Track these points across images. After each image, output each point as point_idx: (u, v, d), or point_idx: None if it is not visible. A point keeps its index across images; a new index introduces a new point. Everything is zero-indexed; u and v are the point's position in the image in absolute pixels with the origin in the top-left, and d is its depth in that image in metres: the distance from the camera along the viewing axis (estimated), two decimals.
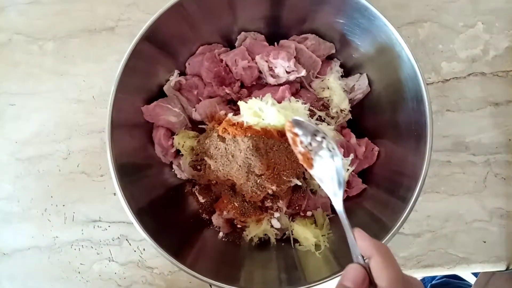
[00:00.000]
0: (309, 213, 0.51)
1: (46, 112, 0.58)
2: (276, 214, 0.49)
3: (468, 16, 0.58)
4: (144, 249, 0.56)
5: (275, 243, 0.50)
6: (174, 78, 0.50)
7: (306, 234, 0.48)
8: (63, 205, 0.56)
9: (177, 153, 0.51)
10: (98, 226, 0.56)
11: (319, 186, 0.48)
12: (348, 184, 0.50)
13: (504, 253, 0.56)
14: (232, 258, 0.48)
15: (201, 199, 0.51)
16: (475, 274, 0.97)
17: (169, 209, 0.49)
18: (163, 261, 0.56)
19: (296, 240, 0.50)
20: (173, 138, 0.50)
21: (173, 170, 0.52)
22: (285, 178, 0.46)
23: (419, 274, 0.56)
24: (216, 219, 0.50)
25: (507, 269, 0.55)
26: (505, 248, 0.56)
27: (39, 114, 0.58)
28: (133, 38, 0.57)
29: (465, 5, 0.58)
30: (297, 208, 0.50)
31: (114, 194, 0.56)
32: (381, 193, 0.49)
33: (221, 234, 0.51)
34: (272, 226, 0.49)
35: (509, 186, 0.56)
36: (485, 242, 0.56)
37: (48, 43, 0.58)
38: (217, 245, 0.49)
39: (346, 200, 0.51)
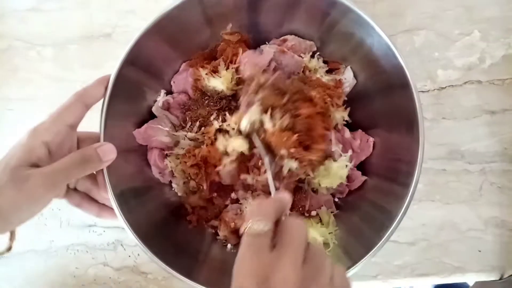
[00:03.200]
0: (313, 213, 0.50)
1: (44, 118, 0.58)
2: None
3: (464, 24, 0.58)
4: (138, 255, 0.56)
5: None
6: (161, 98, 0.50)
7: (313, 234, 0.48)
8: (59, 209, 0.57)
9: (173, 172, 0.51)
10: (93, 231, 0.56)
11: (320, 184, 0.49)
12: (349, 178, 0.50)
13: (499, 263, 0.55)
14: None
15: (201, 215, 0.51)
16: None
17: (174, 228, 0.49)
18: (157, 266, 0.56)
19: None
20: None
21: (173, 189, 0.52)
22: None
23: (413, 283, 0.56)
24: (222, 232, 0.50)
25: (500, 278, 0.55)
26: (500, 257, 0.55)
27: (37, 119, 0.58)
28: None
29: (461, 13, 0.58)
30: (300, 209, 0.50)
31: None
32: (381, 182, 0.49)
33: (229, 246, 0.50)
34: None
35: (504, 195, 0.56)
36: (480, 251, 0.55)
37: (46, 49, 0.59)
38: (226, 257, 0.49)
39: (349, 194, 0.51)
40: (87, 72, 0.58)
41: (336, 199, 0.52)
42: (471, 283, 0.66)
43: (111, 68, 0.58)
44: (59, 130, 0.37)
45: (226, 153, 0.46)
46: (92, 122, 0.41)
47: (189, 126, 0.49)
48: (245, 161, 0.47)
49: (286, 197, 0.33)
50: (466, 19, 0.58)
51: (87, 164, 0.37)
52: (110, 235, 0.56)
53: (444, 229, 0.56)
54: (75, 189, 0.42)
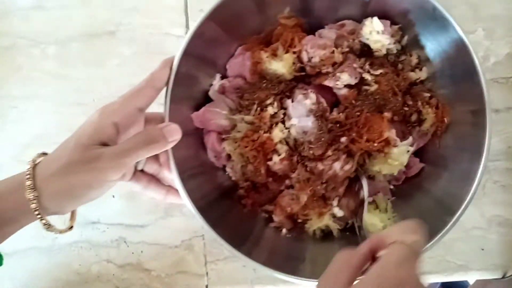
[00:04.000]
0: (369, 199, 0.50)
1: (47, 115, 0.59)
2: (335, 203, 0.49)
3: (469, 22, 0.58)
4: (141, 252, 0.56)
5: (339, 233, 0.50)
6: (217, 82, 0.50)
7: (373, 220, 0.47)
8: None
9: (229, 156, 0.51)
10: (97, 228, 0.57)
11: (381, 172, 0.48)
12: (406, 165, 0.49)
13: (502, 261, 0.55)
14: (297, 253, 0.47)
15: (256, 199, 0.51)
16: None
17: (228, 211, 0.48)
18: (160, 263, 0.56)
19: (360, 228, 0.49)
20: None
21: (226, 173, 0.51)
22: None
23: None
24: (277, 217, 0.49)
25: (503, 277, 0.55)
26: (503, 256, 0.55)
27: (41, 117, 0.59)
28: (133, 43, 0.59)
29: (466, 11, 0.58)
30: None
31: (113, 196, 0.57)
32: (440, 171, 0.48)
33: (284, 230, 0.50)
34: (335, 216, 0.49)
35: (508, 193, 0.56)
36: (483, 249, 0.55)
37: (50, 47, 0.59)
38: (280, 241, 0.49)
39: (405, 182, 0.50)
40: (90, 70, 0.59)
41: (391, 186, 0.51)
42: (472, 282, 0.66)
43: (114, 66, 0.59)
44: (128, 112, 0.38)
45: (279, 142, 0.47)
46: None
47: (247, 109, 0.48)
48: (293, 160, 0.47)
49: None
50: (470, 17, 0.58)
51: (153, 144, 0.37)
52: (114, 232, 0.56)
53: None
54: (142, 171, 0.43)
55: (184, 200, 0.42)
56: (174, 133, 0.39)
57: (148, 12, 0.59)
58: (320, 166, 0.47)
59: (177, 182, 0.41)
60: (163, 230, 0.57)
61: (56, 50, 0.59)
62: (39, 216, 0.36)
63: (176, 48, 0.57)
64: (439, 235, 0.41)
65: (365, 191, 0.47)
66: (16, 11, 0.60)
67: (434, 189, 0.47)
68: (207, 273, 0.56)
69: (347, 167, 0.46)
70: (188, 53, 0.43)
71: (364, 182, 0.48)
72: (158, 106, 0.42)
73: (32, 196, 0.34)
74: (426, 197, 0.47)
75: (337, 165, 0.46)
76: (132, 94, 0.39)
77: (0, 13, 0.59)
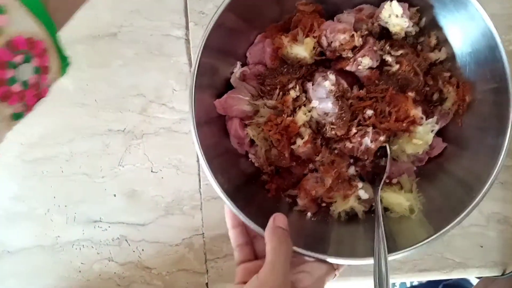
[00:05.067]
0: (394, 180, 0.50)
1: (52, 115, 0.60)
2: (360, 185, 0.49)
3: None
4: (142, 250, 0.57)
5: (364, 216, 0.50)
6: (238, 69, 0.51)
7: (399, 199, 0.47)
8: (65, 206, 0.58)
9: (252, 142, 0.52)
10: (98, 227, 0.57)
11: (405, 151, 0.49)
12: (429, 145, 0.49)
13: (501, 259, 0.55)
14: (322, 235, 0.48)
15: (279, 184, 0.51)
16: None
17: (252, 197, 0.49)
18: (161, 261, 0.57)
19: (386, 209, 0.49)
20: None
21: (249, 159, 0.52)
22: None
23: (415, 278, 0.56)
24: (301, 201, 0.50)
25: (503, 274, 0.55)
26: (502, 253, 0.55)
27: (45, 117, 0.60)
28: (134, 44, 0.60)
29: None
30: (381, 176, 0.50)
31: (115, 195, 0.58)
32: (463, 151, 0.48)
33: (308, 214, 0.50)
34: (359, 198, 0.49)
35: (507, 190, 0.56)
36: (482, 246, 0.56)
37: None
38: (305, 224, 0.49)
39: (428, 162, 0.51)
40: (94, 71, 0.60)
41: (415, 168, 0.51)
42: (472, 279, 0.66)
43: (117, 67, 0.60)
44: None
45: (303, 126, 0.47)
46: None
47: (269, 94, 0.49)
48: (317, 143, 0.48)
49: None
50: None
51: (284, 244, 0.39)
52: (115, 230, 0.57)
53: None
54: None
55: (212, 185, 0.43)
56: (283, 222, 0.41)
57: (150, 14, 0.60)
58: (349, 144, 0.47)
59: (205, 169, 0.43)
60: (163, 229, 0.57)
61: None
62: None
63: (176, 49, 0.59)
64: (462, 214, 0.42)
65: (388, 164, 0.48)
66: None
67: (456, 170, 0.47)
68: (207, 271, 0.57)
69: (382, 138, 0.46)
70: (209, 44, 0.44)
71: (389, 153, 0.48)
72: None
73: None
74: (449, 178, 0.48)
75: (367, 140, 0.46)
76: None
77: None
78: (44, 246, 0.58)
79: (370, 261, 0.42)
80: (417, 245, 0.42)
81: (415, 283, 1.18)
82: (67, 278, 0.57)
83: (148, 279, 0.57)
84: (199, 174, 0.58)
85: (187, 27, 0.59)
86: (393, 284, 1.24)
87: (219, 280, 0.56)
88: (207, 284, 0.57)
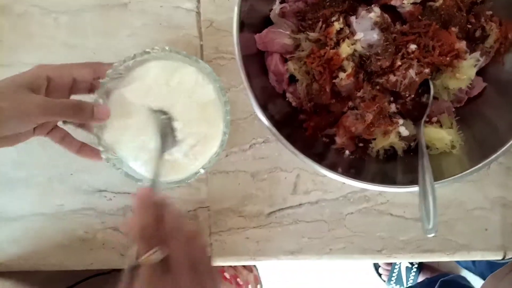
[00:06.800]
0: (434, 119, 0.51)
1: None
2: (401, 121, 0.49)
3: None
4: None
5: (403, 154, 0.51)
6: (277, 6, 0.51)
7: (440, 134, 0.48)
8: (71, 174, 0.57)
9: (290, 80, 0.52)
10: (103, 196, 0.57)
11: (448, 87, 0.49)
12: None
13: (504, 243, 0.56)
14: (360, 171, 0.48)
15: (317, 122, 0.52)
16: (482, 276, 1.00)
17: (289, 136, 0.48)
18: None
19: (426, 147, 0.49)
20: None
21: (286, 99, 0.52)
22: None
23: (419, 259, 0.57)
24: (340, 139, 0.50)
25: (503, 258, 0.55)
26: (505, 237, 0.56)
27: None
28: (144, 15, 0.59)
29: None
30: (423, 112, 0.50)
31: None
32: (501, 98, 0.48)
33: (347, 152, 0.51)
34: (399, 135, 0.49)
35: None
36: (486, 229, 0.56)
37: (62, 16, 0.60)
38: (344, 161, 0.50)
39: (467, 103, 0.51)
40: (101, 40, 0.59)
41: (453, 109, 0.51)
42: (469, 276, 0.66)
43: (124, 37, 0.60)
44: (64, 74, 0.43)
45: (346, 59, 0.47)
46: None
47: (310, 29, 0.49)
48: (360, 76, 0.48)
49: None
50: None
51: (80, 112, 0.41)
52: (120, 200, 0.57)
53: (450, 207, 0.56)
54: (56, 126, 0.46)
55: (259, 116, 0.44)
56: (102, 114, 0.43)
57: None
58: (392, 77, 0.47)
59: (255, 107, 0.44)
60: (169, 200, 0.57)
61: (68, 20, 0.59)
62: None
63: (186, 22, 0.59)
64: (491, 158, 0.43)
65: (430, 99, 0.48)
66: None
67: (493, 115, 0.48)
68: (211, 244, 0.57)
69: (427, 70, 0.46)
70: None
71: (431, 88, 0.48)
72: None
73: None
74: (482, 123, 0.48)
75: (412, 72, 0.46)
76: (77, 64, 0.44)
77: None
78: (45, 214, 0.58)
79: (414, 188, 0.43)
80: (461, 173, 0.43)
81: (412, 283, 1.19)
82: (69, 247, 0.57)
83: None
84: None
85: (198, 0, 0.59)
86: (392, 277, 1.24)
87: (222, 253, 0.56)
88: (210, 257, 0.57)
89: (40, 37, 0.60)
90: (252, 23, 0.50)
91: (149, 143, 0.47)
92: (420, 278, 1.19)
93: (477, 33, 0.50)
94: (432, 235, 0.41)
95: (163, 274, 0.32)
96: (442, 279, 1.00)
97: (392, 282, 1.23)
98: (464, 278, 1.05)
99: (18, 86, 0.38)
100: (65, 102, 0.40)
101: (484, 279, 0.96)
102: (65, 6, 0.60)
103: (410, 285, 1.20)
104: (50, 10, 0.60)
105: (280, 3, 0.52)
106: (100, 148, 0.49)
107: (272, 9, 0.52)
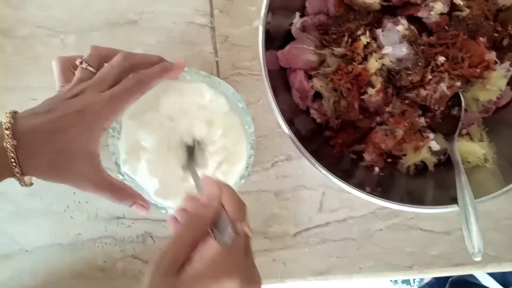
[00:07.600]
0: (463, 131, 0.49)
1: None
2: (431, 135, 0.48)
3: None
4: None
5: (433, 169, 0.49)
6: (298, 20, 0.49)
7: (473, 148, 0.47)
8: (86, 202, 0.55)
9: (314, 96, 0.50)
10: (121, 223, 0.55)
11: (478, 99, 0.48)
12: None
13: None
14: (390, 188, 0.47)
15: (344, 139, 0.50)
16: (491, 274, 0.98)
17: (316, 152, 0.47)
18: None
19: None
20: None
21: (310, 115, 0.51)
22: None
23: (450, 273, 0.55)
24: (369, 155, 0.48)
25: None
26: None
27: None
28: (156, 32, 0.57)
29: None
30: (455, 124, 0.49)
31: None
32: None
33: (376, 169, 0.49)
34: (430, 150, 0.48)
35: None
36: None
37: (69, 36, 0.57)
38: (373, 179, 0.49)
39: (494, 113, 0.50)
40: None
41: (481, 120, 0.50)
42: (478, 274, 0.64)
43: None
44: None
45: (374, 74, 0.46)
46: None
47: (335, 43, 0.47)
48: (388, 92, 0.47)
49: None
50: None
51: (118, 202, 0.41)
52: (139, 227, 0.55)
53: (480, 218, 0.55)
54: None
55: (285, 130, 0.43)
56: (140, 211, 0.42)
57: (171, 0, 0.57)
58: (423, 92, 0.45)
59: (282, 124, 0.43)
60: None
61: (76, 40, 0.57)
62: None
63: (200, 37, 0.57)
64: None
65: (462, 111, 0.47)
66: None
67: None
68: None
69: (458, 83, 0.45)
70: (271, 3, 0.43)
71: (462, 100, 0.47)
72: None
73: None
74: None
75: (443, 86, 0.45)
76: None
77: (17, 1, 0.57)
78: (63, 244, 0.55)
79: (454, 208, 0.42)
80: (506, 188, 0.42)
81: (419, 283, 1.18)
82: (89, 277, 0.55)
83: None
84: None
85: (211, 14, 0.56)
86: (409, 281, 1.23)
87: None
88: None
89: (46, 58, 0.57)
90: (272, 38, 0.48)
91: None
92: (428, 278, 1.18)
93: (505, 42, 0.48)
94: (479, 258, 0.40)
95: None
96: (451, 278, 0.99)
97: (399, 281, 1.23)
98: (473, 276, 1.04)
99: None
100: (114, 185, 0.41)
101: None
102: (73, 26, 0.57)
103: (417, 284, 1.19)
104: (56, 31, 0.57)
105: (301, 17, 0.50)
106: (120, 176, 0.47)
107: (292, 23, 0.50)
